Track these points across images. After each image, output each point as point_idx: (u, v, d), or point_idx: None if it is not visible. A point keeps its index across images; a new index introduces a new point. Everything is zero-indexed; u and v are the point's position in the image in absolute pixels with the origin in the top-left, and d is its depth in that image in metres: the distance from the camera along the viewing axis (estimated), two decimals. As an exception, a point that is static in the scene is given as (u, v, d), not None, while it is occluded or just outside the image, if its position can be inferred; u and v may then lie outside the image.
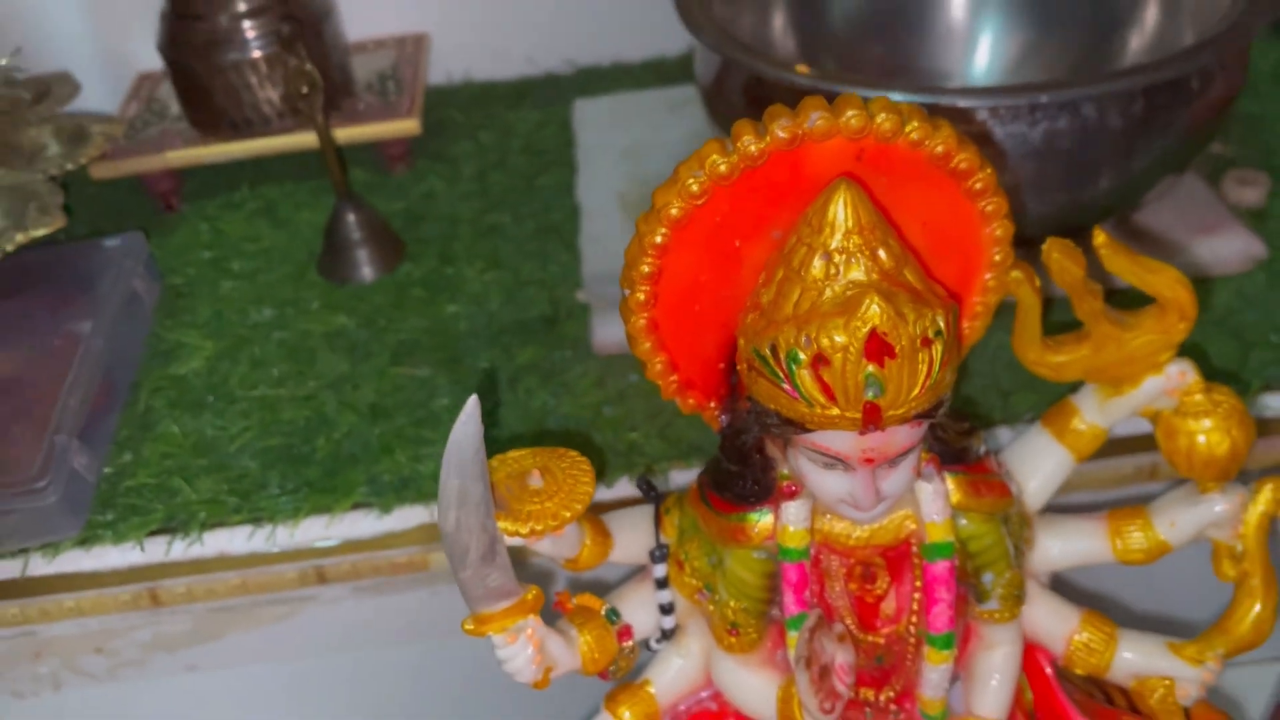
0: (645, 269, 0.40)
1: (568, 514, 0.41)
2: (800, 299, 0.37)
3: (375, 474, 0.62)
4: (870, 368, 0.35)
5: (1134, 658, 0.47)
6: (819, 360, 0.36)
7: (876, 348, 0.35)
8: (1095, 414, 0.46)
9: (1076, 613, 0.47)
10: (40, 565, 0.60)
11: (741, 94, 0.66)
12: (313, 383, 0.68)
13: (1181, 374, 0.44)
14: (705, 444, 0.61)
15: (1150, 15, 0.70)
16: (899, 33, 0.78)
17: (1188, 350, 0.45)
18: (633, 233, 0.75)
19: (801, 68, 0.60)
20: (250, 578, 0.62)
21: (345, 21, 0.88)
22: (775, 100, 0.62)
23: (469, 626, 0.43)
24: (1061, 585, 0.49)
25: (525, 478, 0.42)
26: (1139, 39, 0.70)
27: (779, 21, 0.75)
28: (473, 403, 0.38)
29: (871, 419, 0.36)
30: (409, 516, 0.61)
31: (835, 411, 0.37)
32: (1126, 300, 0.45)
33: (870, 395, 0.36)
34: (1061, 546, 0.47)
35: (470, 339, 0.70)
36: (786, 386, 0.37)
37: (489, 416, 0.63)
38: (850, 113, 0.37)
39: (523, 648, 0.43)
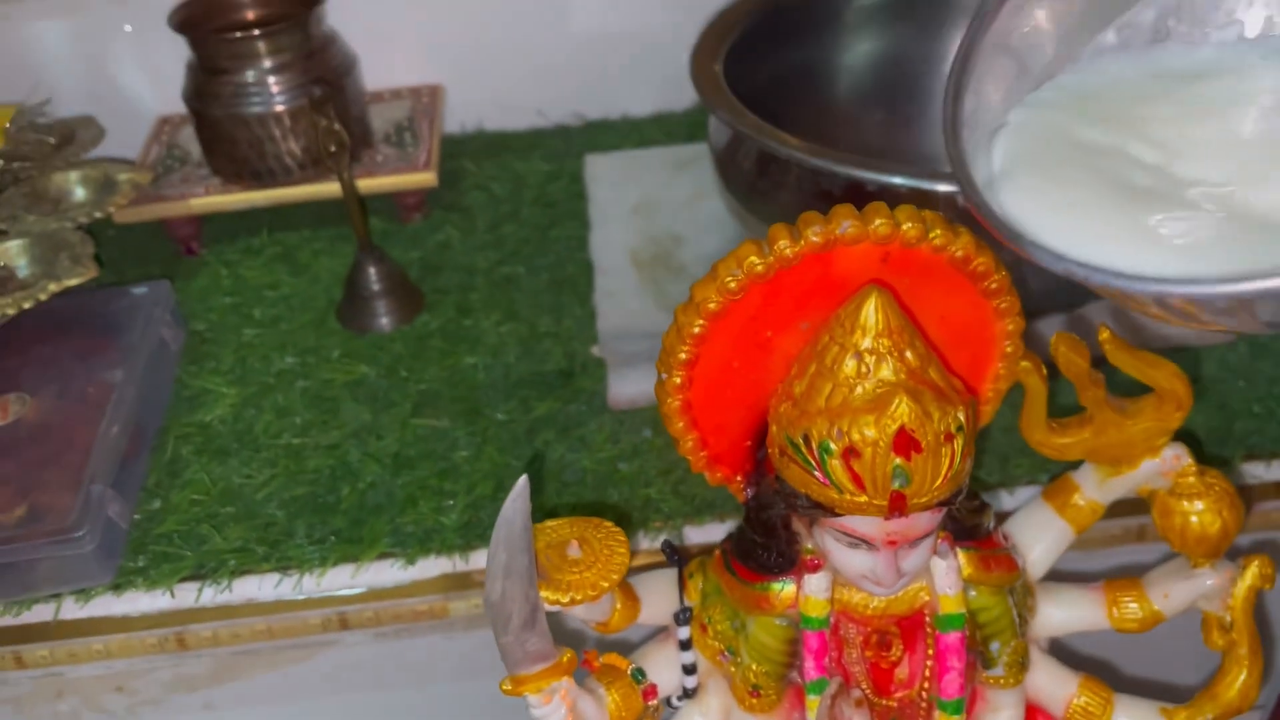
0: (683, 356, 0.43)
1: (605, 584, 0.44)
2: (832, 393, 0.40)
3: (399, 525, 0.64)
4: (898, 460, 0.38)
5: (1129, 722, 0.50)
6: (850, 452, 0.39)
7: (904, 443, 0.38)
8: (1095, 491, 0.49)
9: (1075, 677, 0.50)
10: (72, 609, 0.62)
11: (754, 163, 0.69)
12: (336, 432, 0.71)
13: (1176, 458, 0.47)
14: (718, 501, 0.64)
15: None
16: (901, 98, 0.82)
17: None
18: (646, 289, 0.78)
19: (791, 139, 0.63)
20: (275, 623, 0.64)
21: (362, 72, 0.90)
22: (786, 172, 0.66)
23: (507, 687, 0.45)
24: (1059, 650, 0.52)
25: (564, 547, 0.45)
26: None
27: (791, 90, 0.78)
28: (522, 483, 0.40)
29: (897, 507, 0.39)
30: (431, 567, 0.63)
31: (863, 499, 0.40)
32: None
33: (897, 485, 0.39)
34: (1061, 614, 0.50)
35: (489, 390, 0.73)
36: (818, 474, 0.40)
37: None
38: (878, 221, 0.39)
39: (556, 708, 0.45)
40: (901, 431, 0.38)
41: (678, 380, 0.43)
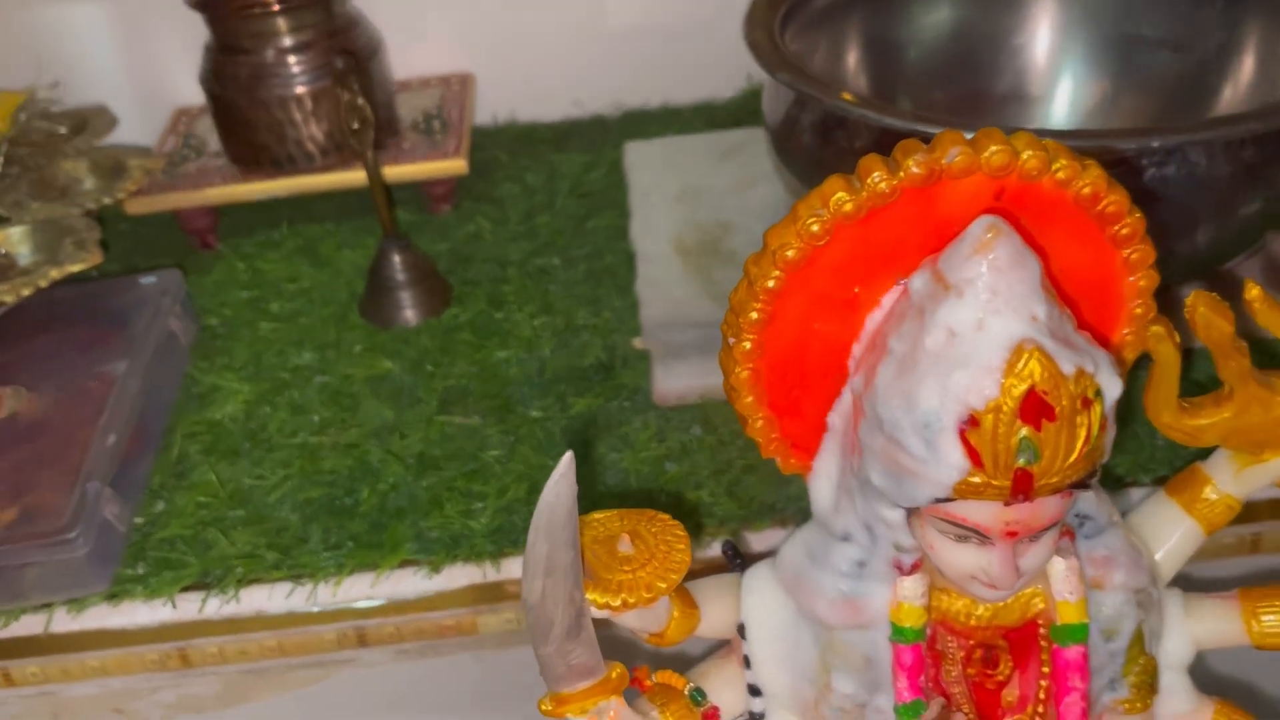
0: (754, 315, 0.36)
1: (662, 585, 0.38)
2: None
3: (423, 530, 0.58)
4: (1024, 431, 0.32)
5: (1274, 755, 0.43)
6: (965, 421, 0.32)
7: (1034, 408, 0.31)
8: (1230, 483, 0.42)
9: (1209, 703, 0.43)
10: (65, 621, 0.57)
11: (814, 134, 0.63)
12: (355, 430, 0.65)
13: (1332, 443, 0.40)
14: (780, 504, 0.57)
15: (1246, 66, 0.67)
16: (972, 78, 0.76)
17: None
18: (692, 277, 0.72)
19: (846, 95, 0.56)
20: (287, 638, 0.58)
21: (390, 60, 0.85)
22: (854, 138, 0.60)
23: (546, 707, 0.39)
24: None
25: (614, 542, 0.39)
26: (1232, 90, 0.67)
27: (851, 62, 0.72)
28: (567, 460, 0.34)
29: (1021, 488, 0.32)
30: (458, 576, 0.57)
31: (980, 479, 0.33)
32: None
33: (1022, 462, 0.32)
34: (1191, 628, 0.43)
35: (522, 386, 0.67)
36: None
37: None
38: (994, 148, 0.33)
39: (604, 732, 0.39)
40: (1031, 394, 0.31)
41: (747, 345, 0.37)
